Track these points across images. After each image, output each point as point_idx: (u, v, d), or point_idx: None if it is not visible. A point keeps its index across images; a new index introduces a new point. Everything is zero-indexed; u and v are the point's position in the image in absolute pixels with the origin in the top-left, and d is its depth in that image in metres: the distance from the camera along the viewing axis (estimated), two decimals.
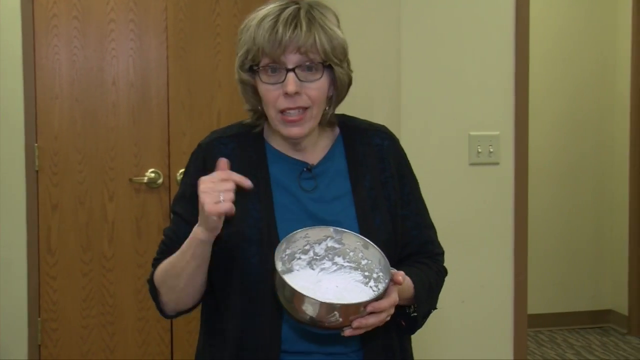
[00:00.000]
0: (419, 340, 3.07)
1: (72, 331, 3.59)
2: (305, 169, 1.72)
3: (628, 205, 5.54)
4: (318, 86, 1.64)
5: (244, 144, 1.74)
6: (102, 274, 3.60)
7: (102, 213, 3.59)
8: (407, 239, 1.78)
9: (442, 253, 1.89)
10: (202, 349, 1.84)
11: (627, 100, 5.53)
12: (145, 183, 3.61)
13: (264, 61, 1.63)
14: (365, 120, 1.87)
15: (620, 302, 5.69)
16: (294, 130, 1.65)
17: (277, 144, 1.75)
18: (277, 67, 1.62)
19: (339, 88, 1.70)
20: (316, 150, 1.75)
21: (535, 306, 5.22)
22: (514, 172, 3.29)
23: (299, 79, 1.61)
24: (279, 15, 1.61)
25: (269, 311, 1.63)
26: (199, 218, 1.53)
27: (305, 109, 1.64)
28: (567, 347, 5.30)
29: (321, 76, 1.63)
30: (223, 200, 1.47)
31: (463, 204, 3.21)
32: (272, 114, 1.66)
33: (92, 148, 3.57)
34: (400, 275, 1.54)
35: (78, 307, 3.60)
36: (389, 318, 1.54)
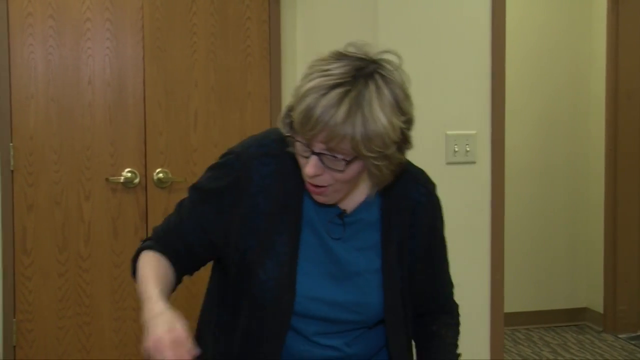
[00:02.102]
0: None
1: (47, 332, 3.57)
2: (337, 216, 1.66)
3: (603, 204, 5.59)
4: (340, 175, 1.54)
5: (284, 170, 1.64)
6: (78, 274, 3.58)
7: (78, 213, 3.57)
8: (426, 293, 1.80)
9: (457, 307, 1.93)
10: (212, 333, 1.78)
11: (602, 101, 5.58)
12: (121, 183, 3.59)
13: (297, 133, 1.54)
14: (409, 166, 1.76)
15: (595, 300, 5.73)
16: (319, 199, 1.60)
17: None
18: (306, 146, 1.53)
19: (381, 174, 1.57)
20: (353, 197, 1.68)
21: (511, 304, 5.25)
22: (490, 171, 3.30)
23: (323, 163, 1.52)
24: (324, 95, 1.47)
25: (271, 347, 1.63)
26: (149, 321, 1.50)
27: (326, 186, 1.57)
28: (543, 345, 5.33)
29: (343, 170, 1.52)
30: None
31: None
32: (303, 174, 1.59)
33: (68, 148, 3.55)
34: None
35: (54, 308, 3.58)
36: None
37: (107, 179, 3.58)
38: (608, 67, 5.50)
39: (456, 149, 3.25)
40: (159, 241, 1.72)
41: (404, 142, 1.58)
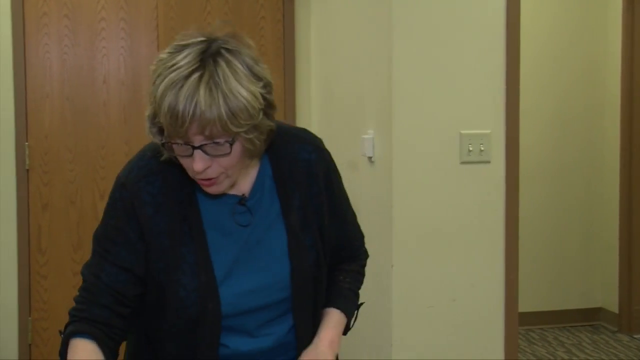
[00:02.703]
0: (410, 338, 3.08)
1: None
2: (238, 204, 1.65)
3: (618, 203, 5.56)
4: (228, 160, 1.53)
5: (172, 182, 1.62)
6: None
7: (92, 212, 3.58)
8: (335, 240, 1.78)
9: (362, 237, 1.91)
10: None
11: (617, 99, 5.55)
12: None
13: (172, 138, 1.52)
14: (290, 128, 1.78)
15: (610, 300, 5.70)
16: (211, 189, 1.58)
17: None
18: (185, 144, 1.50)
19: (255, 147, 1.57)
20: (246, 179, 1.67)
21: (526, 304, 5.24)
22: (505, 170, 3.30)
23: (207, 154, 1.51)
24: (180, 88, 1.47)
25: (205, 355, 1.61)
26: None
27: (217, 176, 1.56)
28: (558, 345, 5.31)
29: (230, 151, 1.52)
30: None
31: (454, 203, 3.21)
32: (190, 174, 1.58)
33: (82, 147, 3.56)
34: None
35: (69, 307, 3.57)
36: None
37: None
38: (623, 64, 5.47)
39: (470, 149, 3.24)
40: (83, 312, 1.66)
41: (268, 107, 1.56)
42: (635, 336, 5.47)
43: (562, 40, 5.70)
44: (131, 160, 1.70)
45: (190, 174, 1.56)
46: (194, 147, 1.50)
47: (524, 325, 5.40)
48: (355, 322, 1.87)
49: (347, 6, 3.54)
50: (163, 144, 1.56)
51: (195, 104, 1.46)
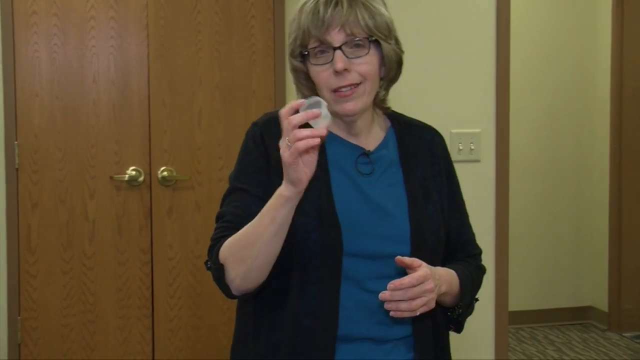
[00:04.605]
0: None
1: (52, 330, 3.57)
2: (362, 154, 1.74)
3: (608, 203, 5.58)
4: (367, 61, 1.66)
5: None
6: (83, 272, 3.59)
7: (82, 211, 3.57)
8: (452, 235, 1.83)
9: (480, 253, 1.95)
10: (252, 330, 1.75)
11: (607, 98, 5.57)
12: (126, 181, 3.59)
13: (312, 44, 1.66)
14: (412, 117, 1.91)
15: (600, 299, 5.73)
16: (348, 106, 1.68)
17: (332, 127, 1.74)
18: (325, 49, 1.65)
19: (388, 65, 1.71)
20: (370, 137, 1.78)
21: (516, 303, 5.26)
22: (495, 169, 3.31)
23: (347, 57, 1.64)
24: None
25: (328, 293, 1.63)
26: (284, 174, 1.51)
27: (357, 84, 1.66)
28: (547, 344, 5.33)
29: (368, 51, 1.66)
30: (299, 140, 1.45)
31: None
32: (326, 94, 1.67)
33: (72, 146, 3.55)
34: (414, 261, 1.58)
35: (58, 306, 3.58)
36: (429, 296, 1.58)
37: (111, 177, 3.58)
38: (613, 65, 5.49)
39: (461, 147, 3.25)
40: (228, 231, 1.67)
41: (397, 40, 1.75)
42: (624, 334, 5.49)
43: (552, 42, 5.72)
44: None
45: (328, 89, 1.67)
46: (335, 48, 1.63)
47: (514, 324, 5.42)
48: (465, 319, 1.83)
49: None
50: (303, 55, 1.68)
51: (336, 3, 1.63)
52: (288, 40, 1.74)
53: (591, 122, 5.76)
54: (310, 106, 1.50)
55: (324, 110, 1.50)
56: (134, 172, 3.59)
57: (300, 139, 1.45)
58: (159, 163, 3.60)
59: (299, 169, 1.48)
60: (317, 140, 1.46)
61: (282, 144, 1.49)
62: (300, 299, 1.64)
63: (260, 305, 1.72)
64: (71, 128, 3.55)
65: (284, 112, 1.49)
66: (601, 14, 5.64)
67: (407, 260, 1.58)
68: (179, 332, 3.65)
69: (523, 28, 5.45)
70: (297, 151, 1.46)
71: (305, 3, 1.67)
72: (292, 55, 1.73)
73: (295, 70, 1.75)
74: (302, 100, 1.51)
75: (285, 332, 1.66)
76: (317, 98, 1.53)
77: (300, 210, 1.61)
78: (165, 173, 3.60)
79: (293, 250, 1.64)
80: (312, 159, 1.49)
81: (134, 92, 3.59)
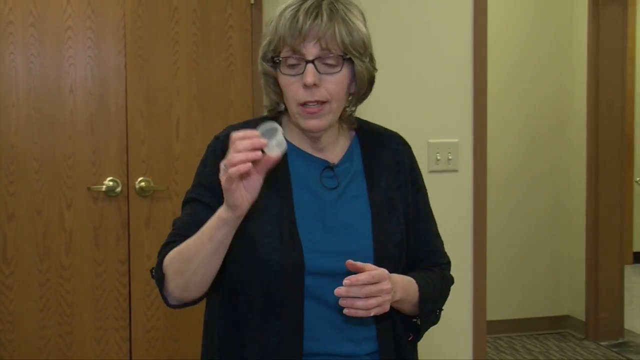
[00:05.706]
0: None
1: (28, 342, 3.54)
2: (326, 167, 1.73)
3: (585, 213, 5.62)
4: (337, 79, 1.64)
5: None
6: (60, 283, 3.56)
7: (59, 222, 3.55)
8: (416, 244, 1.81)
9: (448, 262, 1.94)
10: (217, 350, 1.74)
11: (583, 109, 5.62)
12: (103, 191, 3.57)
13: (285, 52, 1.64)
14: (378, 125, 1.90)
15: (577, 308, 5.76)
16: (312, 123, 1.66)
17: (296, 141, 1.74)
18: (297, 60, 1.63)
19: (359, 83, 1.70)
20: (335, 150, 1.77)
21: (494, 312, 5.27)
22: (472, 179, 3.32)
23: (318, 71, 1.62)
24: (300, 5, 1.63)
25: (291, 312, 1.62)
26: (224, 196, 1.48)
27: (323, 102, 1.65)
28: (525, 353, 5.35)
29: (340, 69, 1.64)
30: (238, 162, 1.42)
31: None
32: (292, 107, 1.67)
33: (49, 156, 3.53)
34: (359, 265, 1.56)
35: (35, 318, 3.55)
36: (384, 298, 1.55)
37: (88, 188, 3.56)
38: (589, 76, 5.54)
39: (438, 157, 3.26)
40: (177, 237, 1.68)
41: (372, 59, 1.73)
42: (601, 343, 5.52)
43: (529, 54, 5.77)
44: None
45: (296, 102, 1.65)
46: (307, 61, 1.61)
47: (491, 333, 5.43)
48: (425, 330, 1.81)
49: None
50: (274, 61, 1.67)
51: (316, 15, 1.61)
52: (262, 42, 1.72)
53: (568, 133, 5.80)
54: (266, 133, 1.47)
55: (279, 136, 1.47)
56: (111, 183, 3.57)
57: (234, 165, 1.42)
58: (136, 174, 3.59)
59: (236, 195, 1.46)
60: (248, 166, 1.41)
61: (222, 167, 1.46)
62: (265, 318, 1.65)
63: (226, 325, 1.72)
64: (48, 138, 3.53)
65: (234, 136, 1.45)
66: (577, 27, 5.70)
67: (359, 264, 1.56)
68: (157, 344, 3.63)
69: (501, 40, 5.49)
70: (230, 177, 1.43)
71: (286, 8, 1.65)
72: (263, 58, 1.71)
73: (265, 74, 1.73)
74: (256, 131, 1.46)
75: (251, 351, 1.66)
76: (274, 125, 1.48)
77: (262, 231, 1.62)
78: (142, 184, 3.59)
79: (255, 270, 1.64)
80: (255, 184, 1.47)
81: (111, 103, 3.58)
